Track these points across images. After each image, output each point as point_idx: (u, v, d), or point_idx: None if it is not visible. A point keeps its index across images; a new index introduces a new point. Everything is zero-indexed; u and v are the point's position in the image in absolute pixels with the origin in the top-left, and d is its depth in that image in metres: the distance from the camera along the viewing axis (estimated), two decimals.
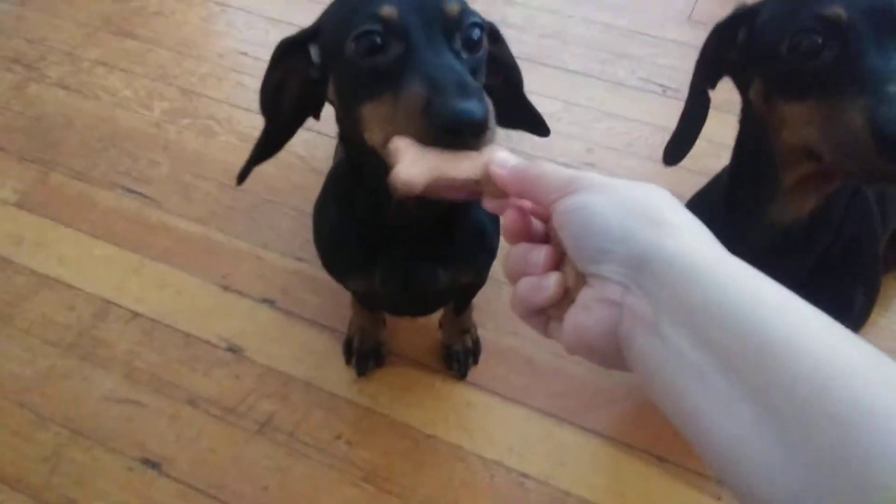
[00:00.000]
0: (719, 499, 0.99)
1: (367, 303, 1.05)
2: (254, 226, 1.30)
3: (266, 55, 0.68)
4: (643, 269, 0.35)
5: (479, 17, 0.62)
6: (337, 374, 1.11)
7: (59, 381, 1.10)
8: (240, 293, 1.20)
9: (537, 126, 0.82)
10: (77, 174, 1.38)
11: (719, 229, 0.72)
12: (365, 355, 1.10)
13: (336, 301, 1.16)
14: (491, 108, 0.53)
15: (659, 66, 1.57)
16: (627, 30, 1.66)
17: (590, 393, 1.09)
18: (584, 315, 0.38)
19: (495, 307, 1.18)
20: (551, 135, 0.83)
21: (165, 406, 1.08)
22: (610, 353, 0.37)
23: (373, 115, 0.60)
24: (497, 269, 1.21)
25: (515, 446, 1.04)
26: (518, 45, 1.61)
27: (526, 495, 1.00)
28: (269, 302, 1.19)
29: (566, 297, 0.40)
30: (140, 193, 1.35)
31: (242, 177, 0.76)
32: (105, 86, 1.56)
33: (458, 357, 1.11)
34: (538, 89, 1.51)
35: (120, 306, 1.19)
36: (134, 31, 1.67)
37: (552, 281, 0.40)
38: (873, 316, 1.10)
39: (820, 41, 0.56)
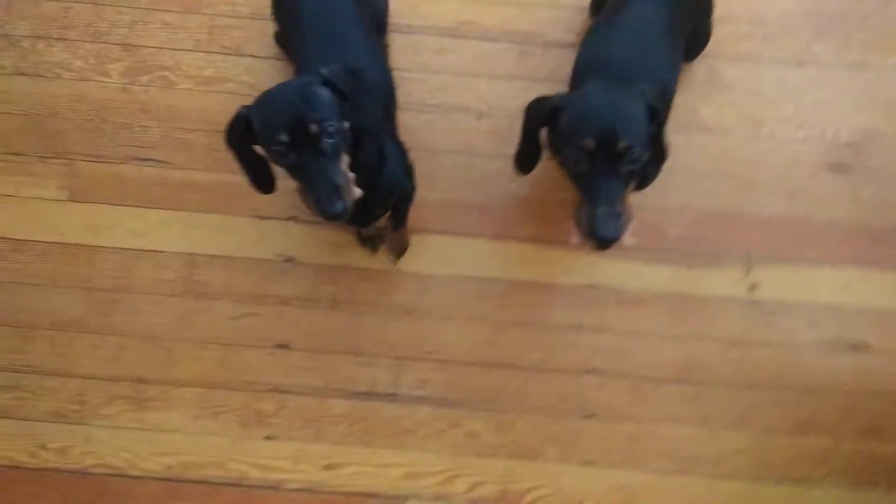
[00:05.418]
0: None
1: None
2: None
3: None
4: None
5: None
6: (360, 255, 1.69)
7: (193, 318, 1.69)
8: (271, 217, 1.71)
9: None
10: (94, 157, 1.76)
11: None
12: (371, 239, 1.67)
13: None
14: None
15: None
16: None
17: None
18: None
19: None
20: None
21: (269, 310, 1.69)
22: None
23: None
24: None
25: None
26: None
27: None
28: (294, 218, 1.70)
29: None
30: (152, 160, 1.75)
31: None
32: (56, 62, 1.80)
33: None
34: None
35: (199, 254, 1.72)
36: None
37: None
38: None
39: (581, 158, 1.09)
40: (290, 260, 1.70)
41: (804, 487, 1.60)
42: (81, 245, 1.73)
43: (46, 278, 1.72)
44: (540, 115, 1.20)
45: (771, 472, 1.61)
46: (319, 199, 1.12)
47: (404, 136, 1.70)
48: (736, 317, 1.66)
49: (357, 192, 1.17)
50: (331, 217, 1.12)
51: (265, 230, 1.72)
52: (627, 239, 1.15)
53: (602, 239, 1.09)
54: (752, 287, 1.67)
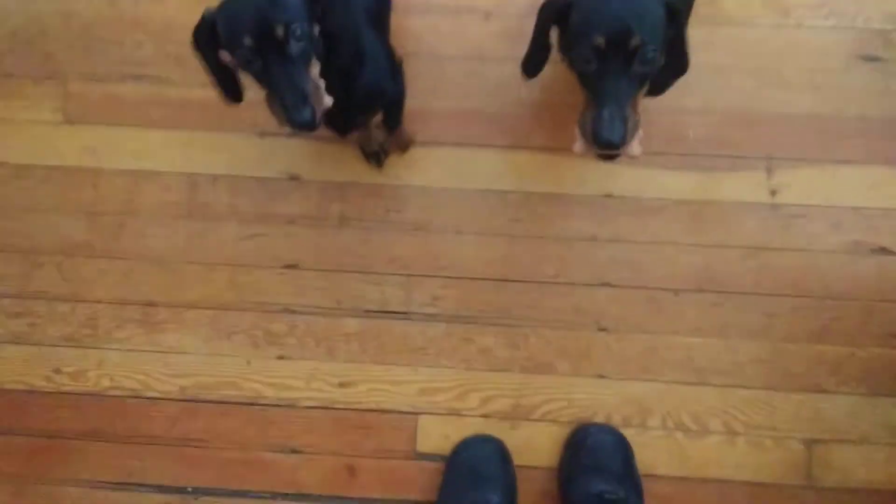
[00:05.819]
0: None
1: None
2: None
3: None
4: None
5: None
6: (367, 170, 1.64)
7: (200, 240, 1.67)
8: (273, 134, 1.66)
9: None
10: (87, 77, 1.70)
11: None
12: (376, 154, 1.61)
13: None
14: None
15: None
16: None
17: None
18: None
19: None
20: None
21: (276, 230, 1.65)
22: None
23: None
24: None
25: None
26: None
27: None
28: (297, 134, 1.64)
29: None
30: (147, 76, 1.69)
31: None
32: None
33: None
34: None
35: (201, 174, 1.67)
36: None
37: None
38: None
39: (591, 57, 1.03)
40: (295, 178, 1.66)
41: (820, 394, 1.57)
42: (83, 168, 1.69)
43: (50, 203, 1.69)
44: (551, 13, 1.12)
45: (787, 380, 1.58)
46: (287, 107, 1.07)
47: (408, 41, 1.63)
48: (756, 223, 1.60)
49: (328, 100, 1.12)
50: (299, 125, 1.07)
51: (268, 147, 1.67)
52: (634, 147, 1.09)
53: (605, 142, 1.03)
54: (774, 191, 1.60)
